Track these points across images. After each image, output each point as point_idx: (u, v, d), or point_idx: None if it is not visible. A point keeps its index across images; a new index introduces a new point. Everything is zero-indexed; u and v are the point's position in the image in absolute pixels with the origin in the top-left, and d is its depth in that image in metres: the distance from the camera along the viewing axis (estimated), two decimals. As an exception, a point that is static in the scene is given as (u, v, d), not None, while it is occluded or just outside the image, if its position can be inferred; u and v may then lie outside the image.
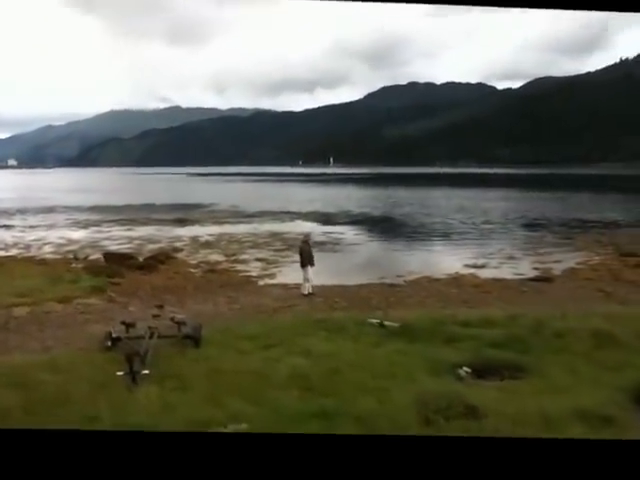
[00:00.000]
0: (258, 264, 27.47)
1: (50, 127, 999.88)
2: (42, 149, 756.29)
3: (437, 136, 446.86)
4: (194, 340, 12.44)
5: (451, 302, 19.07)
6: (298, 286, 21.55)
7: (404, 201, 68.60)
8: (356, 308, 17.91)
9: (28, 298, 18.38)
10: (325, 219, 48.82)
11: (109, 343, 12.44)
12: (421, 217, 49.99)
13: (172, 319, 13.59)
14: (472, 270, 25.80)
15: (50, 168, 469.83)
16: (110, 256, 26.46)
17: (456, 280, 23.51)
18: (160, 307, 14.54)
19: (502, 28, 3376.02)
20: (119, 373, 10.09)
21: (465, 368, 11.25)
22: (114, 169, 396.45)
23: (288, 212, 54.89)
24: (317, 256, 23.00)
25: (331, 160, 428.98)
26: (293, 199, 73.38)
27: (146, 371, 10.16)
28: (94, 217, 51.02)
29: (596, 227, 41.89)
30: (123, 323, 13.35)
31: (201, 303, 18.96)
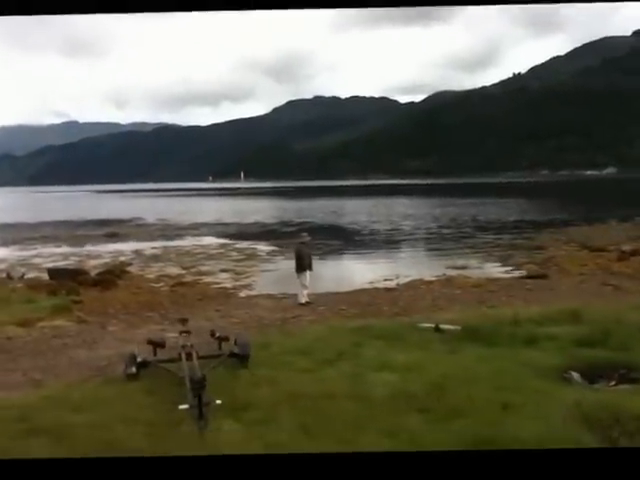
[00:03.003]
0: (226, 275, 25.62)
1: None
2: None
3: (346, 149, 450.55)
4: (242, 359, 10.21)
5: (467, 303, 17.62)
6: (286, 296, 19.87)
7: (342, 211, 67.20)
8: (369, 314, 16.17)
9: (-21, 322, 15.63)
10: (270, 229, 46.82)
11: (134, 369, 9.99)
12: (370, 225, 48.67)
13: (212, 334, 11.25)
14: (457, 271, 24.69)
15: None
16: (56, 272, 23.68)
17: (449, 281, 22.46)
18: (184, 321, 12.16)
19: (401, 44, 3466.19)
20: (183, 407, 7.78)
21: (574, 372, 9.68)
22: (8, 188, 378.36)
23: (226, 224, 52.59)
24: (288, 265, 21.11)
25: (242, 175, 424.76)
26: (223, 211, 70.86)
27: (218, 401, 7.89)
28: (9, 235, 47.03)
29: (548, 227, 41.82)
30: (150, 342, 10.94)
31: (192, 319, 16.64)
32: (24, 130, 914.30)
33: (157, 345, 10.80)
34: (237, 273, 25.91)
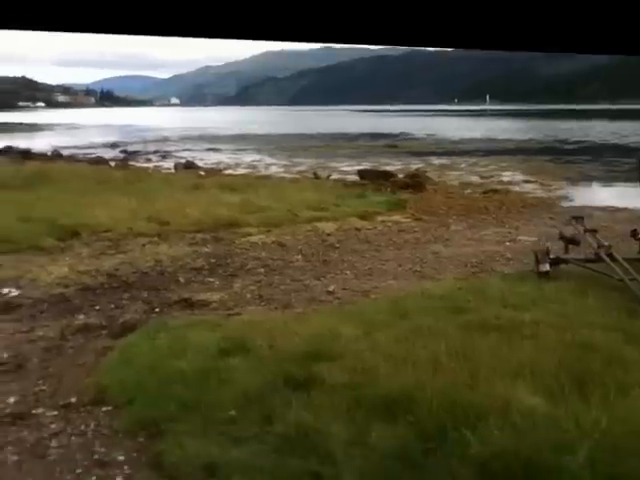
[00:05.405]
0: (531, 185, 23.45)
1: (208, 68, 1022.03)
2: (201, 88, 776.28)
3: (594, 73, 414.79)
4: None
5: None
6: (617, 210, 17.17)
7: (622, 132, 60.28)
8: None
9: (325, 212, 15.01)
10: (548, 146, 43.52)
11: (548, 267, 8.44)
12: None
13: (634, 234, 9.37)
14: None
15: (209, 106, 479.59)
16: (367, 173, 23.10)
17: None
18: (579, 219, 10.40)
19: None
20: None
21: None
22: (273, 107, 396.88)
23: (498, 140, 49.82)
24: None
25: (487, 98, 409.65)
26: (489, 129, 67.38)
27: None
28: (295, 143, 48.20)
29: None
30: (562, 238, 9.34)
31: (529, 225, 14.89)
32: (286, 54, 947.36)
33: (571, 242, 9.12)
34: (542, 184, 23.60)
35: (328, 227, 13.69)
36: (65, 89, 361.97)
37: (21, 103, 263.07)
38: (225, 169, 29.70)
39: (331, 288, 8.90)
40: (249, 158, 35.79)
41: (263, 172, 28.46)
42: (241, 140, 54.47)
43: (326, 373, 5.22)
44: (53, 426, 4.98)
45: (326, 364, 5.45)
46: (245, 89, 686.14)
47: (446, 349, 5.74)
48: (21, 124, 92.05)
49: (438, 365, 5.35)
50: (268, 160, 34.45)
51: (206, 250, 11.37)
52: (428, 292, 7.99)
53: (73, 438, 4.80)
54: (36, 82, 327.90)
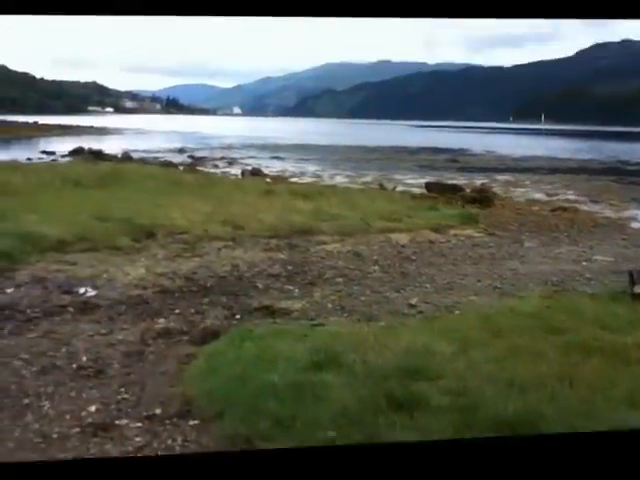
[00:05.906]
0: (598, 205, 22.56)
1: (268, 79, 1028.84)
2: (262, 99, 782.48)
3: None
4: None
5: None
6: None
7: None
8: None
9: (398, 223, 14.56)
10: (611, 167, 42.38)
11: None
12: None
13: None
14: None
15: (270, 117, 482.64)
16: (434, 186, 22.55)
17: None
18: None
19: None
20: None
21: None
22: (332, 120, 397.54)
23: (560, 159, 48.51)
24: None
25: (542, 117, 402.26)
26: (550, 148, 65.84)
27: None
28: (358, 155, 47.91)
29: None
30: None
31: (602, 244, 14.24)
32: (345, 67, 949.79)
33: None
34: (610, 204, 22.70)
35: (402, 238, 13.28)
36: (133, 95, 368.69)
37: (90, 108, 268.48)
38: (290, 177, 29.55)
39: (413, 301, 8.48)
40: (313, 167, 35.63)
41: (328, 181, 28.19)
42: (303, 150, 54.40)
43: (428, 393, 4.79)
44: (138, 439, 4.63)
45: (426, 383, 5.03)
46: (304, 101, 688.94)
47: (551, 372, 5.28)
48: (91, 127, 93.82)
49: (547, 389, 4.89)
50: (332, 170, 34.18)
51: (282, 257, 11.06)
52: (517, 309, 7.50)
53: (160, 454, 4.48)
54: (106, 88, 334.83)
